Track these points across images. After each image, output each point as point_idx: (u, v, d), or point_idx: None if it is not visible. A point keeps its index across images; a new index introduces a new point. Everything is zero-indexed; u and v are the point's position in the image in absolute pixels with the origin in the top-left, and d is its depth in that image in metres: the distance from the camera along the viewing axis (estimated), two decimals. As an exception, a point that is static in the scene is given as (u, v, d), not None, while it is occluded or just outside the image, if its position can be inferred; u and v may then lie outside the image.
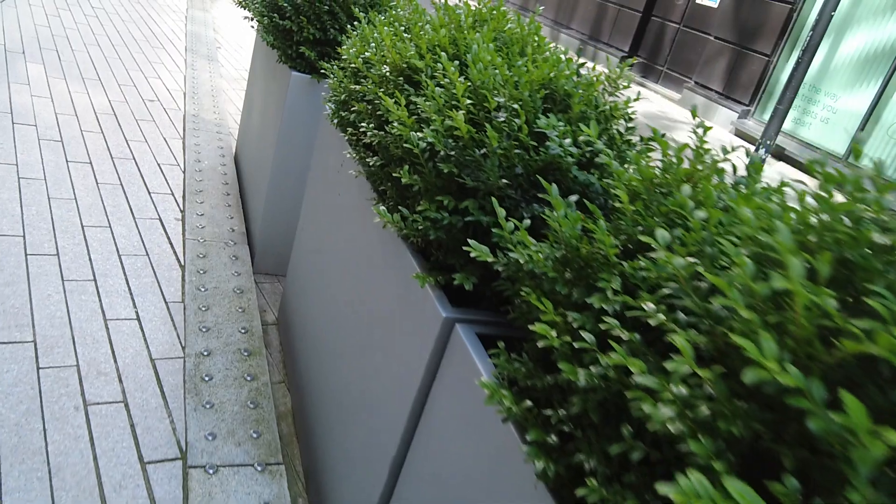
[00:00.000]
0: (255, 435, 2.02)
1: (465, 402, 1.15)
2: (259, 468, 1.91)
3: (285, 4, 2.69)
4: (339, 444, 1.78)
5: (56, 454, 1.79)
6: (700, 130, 0.98)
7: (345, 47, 1.95)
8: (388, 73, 1.64)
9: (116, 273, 2.67)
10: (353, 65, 1.89)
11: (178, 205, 3.36)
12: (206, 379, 2.19)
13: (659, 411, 0.60)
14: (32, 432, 1.84)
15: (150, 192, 3.40)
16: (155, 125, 4.29)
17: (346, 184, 1.95)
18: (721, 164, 1.00)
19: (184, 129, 4.35)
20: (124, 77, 5.02)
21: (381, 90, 1.63)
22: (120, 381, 2.12)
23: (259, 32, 3.15)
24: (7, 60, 4.52)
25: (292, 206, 2.87)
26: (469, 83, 1.36)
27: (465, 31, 1.67)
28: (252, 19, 3.08)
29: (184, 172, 3.73)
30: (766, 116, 7.58)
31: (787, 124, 7.44)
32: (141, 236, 2.98)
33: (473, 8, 1.86)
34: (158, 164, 3.75)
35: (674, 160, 0.98)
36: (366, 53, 1.79)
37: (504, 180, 1.22)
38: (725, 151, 1.00)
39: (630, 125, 1.37)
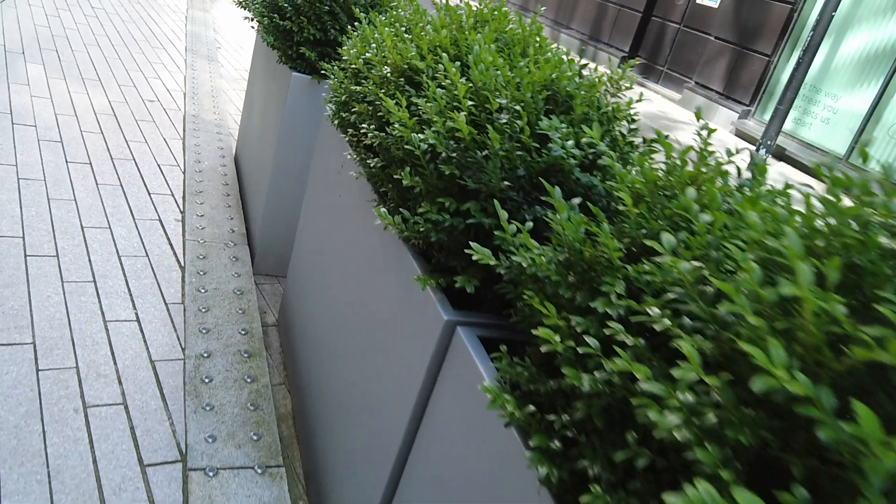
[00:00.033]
0: (255, 437, 2.01)
1: (466, 406, 1.14)
2: (259, 471, 1.90)
3: (285, 5, 2.68)
4: (340, 446, 1.77)
5: (55, 457, 1.79)
6: (704, 132, 0.97)
7: (345, 48, 1.94)
8: (389, 74, 1.64)
9: (116, 274, 2.66)
10: (353, 66, 1.88)
11: (178, 206, 3.35)
12: (206, 381, 2.18)
13: (665, 419, 0.59)
14: (32, 435, 1.83)
15: (149, 193, 3.39)
16: (155, 126, 4.28)
17: (347, 185, 1.94)
18: (725, 167, 0.99)
19: (184, 130, 4.34)
20: (124, 77, 5.01)
21: (382, 91, 1.62)
22: (120, 383, 2.11)
23: (259, 33, 3.14)
24: (7, 61, 4.52)
25: (293, 207, 2.87)
26: (470, 84, 1.36)
27: (467, 32, 1.66)
28: (252, 20, 3.07)
29: (184, 173, 3.73)
30: (767, 117, 7.57)
31: (788, 124, 7.43)
32: (141, 237, 2.97)
33: (475, 8, 1.85)
34: (158, 165, 3.74)
35: (678, 162, 0.97)
36: (367, 54, 1.78)
37: (506, 182, 1.22)
38: (730, 154, 0.99)
39: (633, 126, 1.36)
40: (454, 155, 1.27)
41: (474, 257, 1.05)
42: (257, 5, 2.94)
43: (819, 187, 0.72)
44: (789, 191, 0.93)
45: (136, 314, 2.46)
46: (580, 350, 0.77)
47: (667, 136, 1.07)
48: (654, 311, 0.71)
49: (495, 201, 1.12)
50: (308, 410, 2.09)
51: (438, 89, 1.38)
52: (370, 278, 1.70)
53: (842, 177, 0.67)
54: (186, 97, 4.95)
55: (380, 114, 1.61)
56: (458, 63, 1.44)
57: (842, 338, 0.56)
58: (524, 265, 0.95)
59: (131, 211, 3.17)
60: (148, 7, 7.67)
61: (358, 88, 1.77)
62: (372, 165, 1.59)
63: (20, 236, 2.69)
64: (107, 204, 3.16)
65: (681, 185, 0.93)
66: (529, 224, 1.06)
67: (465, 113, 1.28)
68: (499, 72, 1.36)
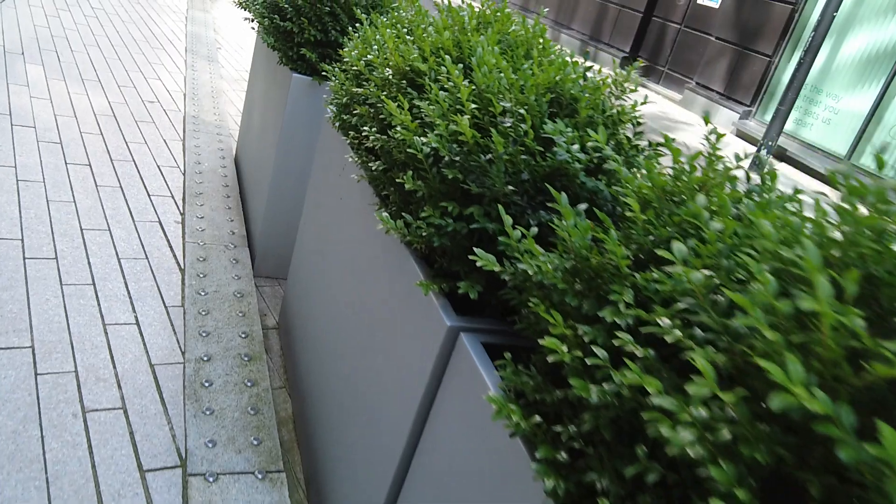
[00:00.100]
0: (255, 442, 1.99)
1: (470, 414, 1.12)
2: (260, 476, 1.88)
3: (286, 6, 2.67)
4: (342, 451, 1.76)
5: (54, 462, 1.77)
6: (713, 137, 0.96)
7: (346, 49, 1.92)
8: (390, 76, 1.62)
9: (115, 277, 2.64)
10: (354, 67, 1.86)
11: (178, 207, 3.34)
12: (206, 385, 2.16)
13: (678, 435, 0.57)
14: (30, 440, 1.82)
15: (149, 195, 3.38)
16: (155, 127, 4.27)
17: (348, 188, 1.92)
18: (733, 172, 0.97)
19: (184, 131, 4.33)
20: (124, 78, 5.00)
21: (384, 93, 1.60)
22: (119, 387, 2.10)
23: (259, 34, 3.12)
24: (6, 61, 4.50)
25: (293, 209, 2.85)
26: (473, 87, 1.34)
27: (469, 34, 1.65)
28: (252, 20, 3.06)
29: (184, 174, 3.71)
30: (768, 117, 7.56)
31: (789, 125, 7.41)
32: (140, 239, 2.96)
33: (477, 10, 1.83)
34: (158, 167, 3.72)
35: (686, 167, 0.96)
36: (368, 56, 1.76)
37: (510, 186, 1.20)
38: (738, 159, 0.98)
39: (639, 130, 1.34)
40: (457, 159, 1.26)
41: (478, 263, 1.04)
42: (258, 6, 2.92)
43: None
44: (798, 195, 0.92)
45: (136, 317, 2.45)
46: (588, 361, 0.75)
47: (674, 140, 1.05)
48: (665, 321, 0.69)
49: (499, 206, 1.10)
50: (309, 414, 2.07)
51: (441, 92, 1.37)
52: (371, 282, 1.68)
53: (857, 185, 0.65)
54: (186, 98, 4.93)
55: (381, 116, 1.59)
56: (460, 65, 1.43)
57: (859, 352, 0.54)
58: (530, 272, 0.93)
59: (131, 213, 3.15)
60: (148, 7, 7.66)
61: (359, 90, 1.75)
62: (373, 168, 1.58)
63: (19, 238, 2.68)
64: (106, 206, 3.14)
65: (689, 190, 0.91)
66: (534, 229, 1.04)
67: (468, 116, 1.26)
68: (502, 74, 1.34)
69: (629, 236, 0.93)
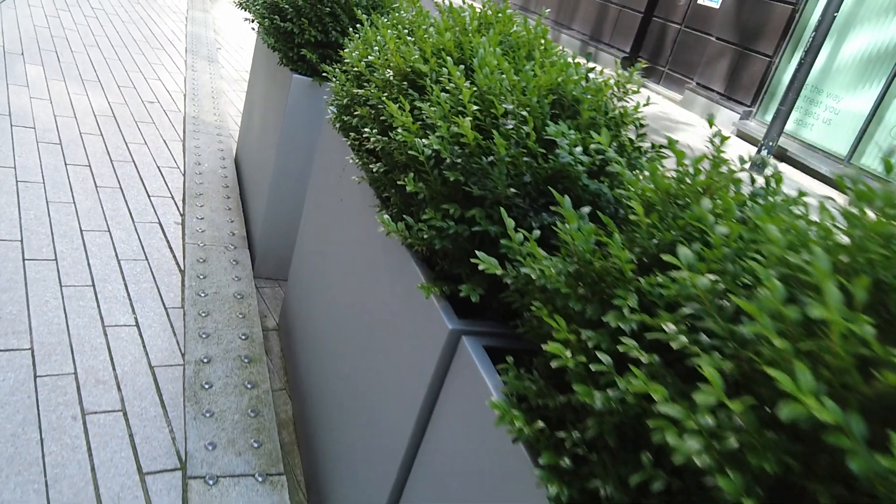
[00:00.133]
0: (255, 444, 1.99)
1: (472, 418, 1.12)
2: (260, 478, 1.87)
3: (286, 6, 2.66)
4: (342, 453, 1.75)
5: (53, 465, 1.76)
6: (717, 140, 0.95)
7: (347, 50, 1.91)
8: (391, 78, 1.61)
9: (115, 278, 2.63)
10: (355, 68, 1.85)
11: (178, 208, 3.33)
12: (206, 387, 2.16)
13: (685, 443, 0.56)
14: (29, 442, 1.81)
15: (149, 196, 3.37)
16: (155, 127, 4.26)
17: (349, 189, 1.92)
18: (737, 174, 0.96)
19: (184, 132, 4.32)
20: (124, 79, 4.99)
21: (385, 95, 1.59)
22: (119, 389, 2.09)
23: (260, 34, 3.11)
24: (6, 62, 4.49)
25: (294, 210, 2.84)
26: (475, 88, 1.33)
27: (471, 35, 1.64)
28: (253, 21, 3.05)
29: (184, 175, 3.70)
30: (768, 118, 7.55)
31: (789, 125, 7.40)
32: (140, 240, 2.95)
33: (478, 11, 1.82)
34: (158, 167, 3.71)
35: (690, 170, 0.95)
36: (369, 57, 1.76)
37: (512, 189, 1.19)
38: (742, 161, 0.97)
39: (641, 132, 1.33)
40: (459, 161, 1.25)
41: (480, 266, 1.03)
42: (258, 6, 2.91)
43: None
44: (804, 198, 0.91)
45: (136, 319, 2.44)
46: (593, 367, 0.74)
47: (677, 142, 1.04)
48: (670, 327, 0.68)
49: (501, 208, 1.09)
50: (309, 417, 2.07)
51: (442, 93, 1.36)
52: (372, 284, 1.67)
53: (865, 189, 0.64)
54: (186, 98, 4.92)
55: (382, 118, 1.58)
56: (462, 66, 1.42)
57: (869, 360, 0.54)
58: (532, 276, 0.93)
59: (131, 214, 3.15)
60: (148, 8, 7.65)
61: (360, 91, 1.75)
62: (374, 170, 1.57)
63: (18, 240, 2.67)
64: (106, 207, 3.14)
65: (694, 193, 0.90)
66: (536, 232, 1.03)
67: (469, 118, 1.26)
68: (504, 76, 1.33)
69: (633, 240, 0.92)
